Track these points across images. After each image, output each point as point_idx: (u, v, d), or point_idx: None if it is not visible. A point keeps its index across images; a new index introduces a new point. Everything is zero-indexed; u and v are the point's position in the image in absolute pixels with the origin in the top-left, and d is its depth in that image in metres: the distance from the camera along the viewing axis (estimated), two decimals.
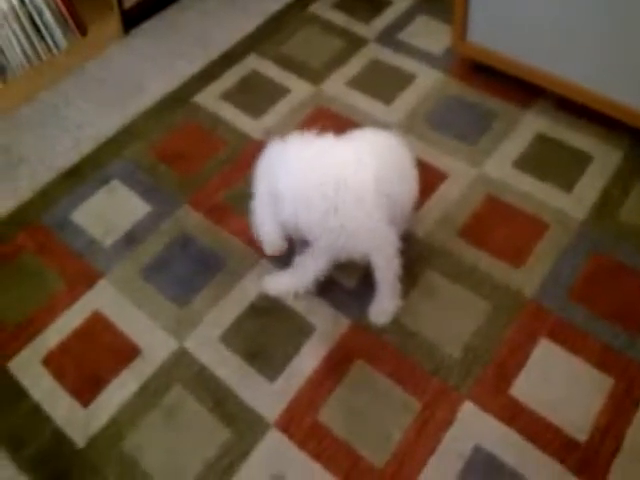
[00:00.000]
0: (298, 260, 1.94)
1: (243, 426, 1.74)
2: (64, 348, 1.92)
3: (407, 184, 1.85)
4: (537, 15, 2.20)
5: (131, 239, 2.16)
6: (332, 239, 1.68)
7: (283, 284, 1.97)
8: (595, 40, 2.10)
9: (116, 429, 1.76)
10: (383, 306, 1.90)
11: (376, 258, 1.79)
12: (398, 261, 1.81)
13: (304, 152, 1.63)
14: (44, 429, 1.77)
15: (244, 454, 1.69)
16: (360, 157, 1.66)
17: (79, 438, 1.75)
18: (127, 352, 1.90)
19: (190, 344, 1.90)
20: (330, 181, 1.59)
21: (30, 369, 1.88)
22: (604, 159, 2.23)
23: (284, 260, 1.98)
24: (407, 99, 2.53)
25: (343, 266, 1.96)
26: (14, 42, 2.57)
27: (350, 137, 1.77)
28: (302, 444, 1.70)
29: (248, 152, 2.36)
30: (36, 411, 1.80)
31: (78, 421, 1.78)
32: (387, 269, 1.82)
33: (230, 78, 2.70)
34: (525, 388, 1.75)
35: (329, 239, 1.68)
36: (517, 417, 1.70)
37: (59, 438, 1.75)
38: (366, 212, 1.64)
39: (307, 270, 1.93)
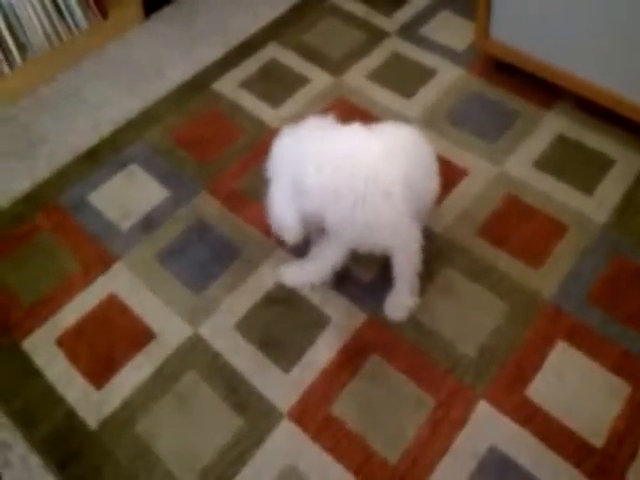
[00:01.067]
0: (315, 251, 1.93)
1: (256, 415, 1.73)
2: (79, 329, 1.91)
3: (431, 179, 1.85)
4: (561, 14, 2.18)
5: (148, 224, 2.15)
6: (357, 232, 1.67)
7: (300, 275, 1.96)
8: (619, 42, 2.09)
9: (129, 412, 1.75)
10: (400, 302, 1.89)
11: (398, 253, 1.78)
12: (419, 257, 1.80)
13: (333, 143, 1.62)
14: (57, 409, 1.77)
15: (257, 443, 1.69)
16: (389, 151, 1.65)
17: (92, 420, 1.75)
18: (142, 336, 1.90)
19: (205, 331, 1.90)
20: (360, 174, 1.58)
21: (44, 349, 1.88)
22: (626, 163, 2.22)
23: (300, 250, 1.98)
24: (427, 94, 2.52)
25: (360, 259, 1.95)
26: (35, 21, 2.56)
27: (375, 130, 1.76)
28: (315, 436, 1.69)
29: (266, 141, 2.30)
30: (49, 391, 1.80)
31: (91, 403, 1.78)
32: (408, 265, 1.81)
33: (250, 66, 2.69)
34: (541, 390, 1.74)
35: (354, 232, 1.68)
36: (532, 419, 1.69)
37: (71, 419, 1.75)
38: (393, 206, 1.63)
39: (324, 262, 1.91)
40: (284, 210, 1.63)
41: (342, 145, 1.63)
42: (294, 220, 1.63)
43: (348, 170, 1.58)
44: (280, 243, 1.71)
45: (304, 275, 1.96)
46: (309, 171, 1.58)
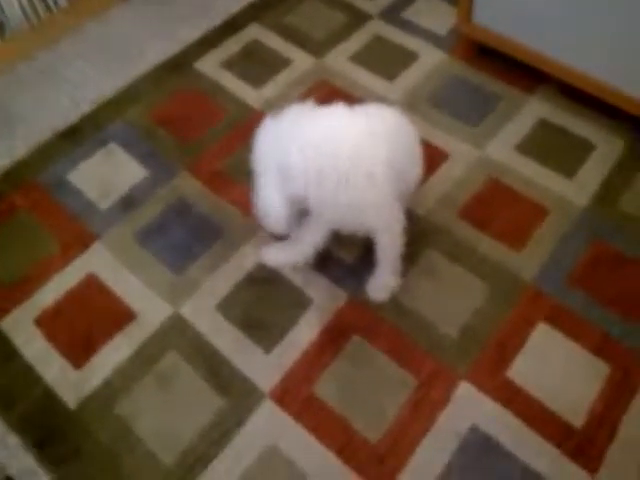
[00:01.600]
0: (297, 232, 1.92)
1: (237, 396, 1.73)
2: (57, 309, 1.89)
3: (413, 161, 1.84)
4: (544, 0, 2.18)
5: (128, 203, 2.13)
6: (340, 213, 1.67)
7: (282, 256, 1.95)
8: (602, 28, 2.09)
9: (109, 392, 1.74)
10: (382, 282, 1.89)
11: (381, 234, 1.78)
12: (402, 239, 1.80)
13: (316, 124, 1.60)
14: (35, 389, 1.75)
15: (238, 423, 1.68)
16: (372, 131, 1.64)
17: (71, 400, 1.73)
18: (121, 316, 1.88)
19: (186, 311, 1.88)
20: (343, 154, 1.57)
21: (22, 329, 1.86)
22: (607, 148, 2.23)
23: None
24: (409, 77, 2.51)
25: (342, 241, 1.95)
26: None
27: (358, 111, 1.75)
28: (297, 416, 1.69)
29: (248, 121, 2.33)
30: (27, 371, 1.78)
31: (70, 383, 1.76)
32: (391, 246, 1.81)
33: (231, 46, 2.67)
34: (522, 371, 1.75)
35: (337, 213, 1.67)
36: (514, 399, 1.70)
37: (50, 399, 1.74)
38: (377, 187, 1.63)
39: (306, 242, 1.91)
40: (273, 203, 1.60)
41: (324, 125, 1.61)
42: (283, 212, 1.60)
43: (331, 150, 1.57)
44: (262, 226, 1.68)
45: (286, 256, 1.95)
46: (292, 152, 1.56)
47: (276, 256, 1.96)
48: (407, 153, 1.81)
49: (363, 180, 1.60)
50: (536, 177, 2.16)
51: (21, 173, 2.22)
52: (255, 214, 1.67)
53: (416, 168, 1.86)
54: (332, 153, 1.57)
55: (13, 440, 1.67)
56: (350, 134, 1.61)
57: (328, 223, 1.81)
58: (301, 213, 1.81)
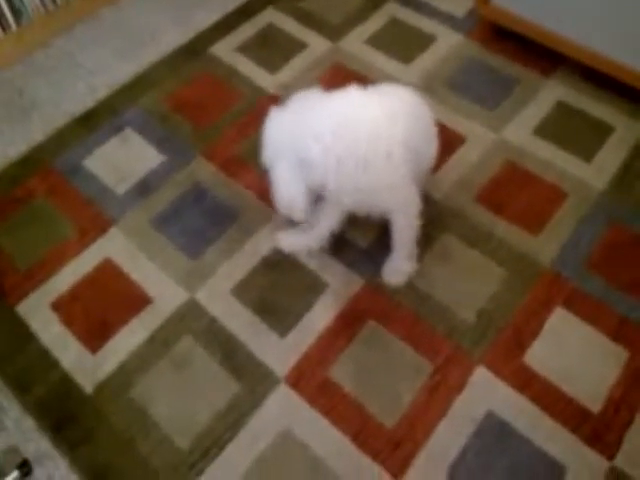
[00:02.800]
0: (312, 216, 1.91)
1: (253, 380, 1.73)
2: (74, 294, 1.90)
3: (429, 141, 1.83)
4: None
5: (144, 188, 2.13)
6: (359, 195, 1.65)
7: (297, 241, 1.95)
8: (622, 8, 2.06)
9: (125, 377, 1.74)
10: (398, 266, 1.88)
11: (398, 217, 1.76)
12: (418, 222, 1.79)
13: (330, 109, 1.59)
14: (52, 373, 1.76)
15: (253, 407, 1.68)
16: (388, 112, 1.63)
17: (87, 384, 1.74)
18: (137, 300, 1.88)
19: (201, 296, 1.88)
20: (361, 136, 1.55)
21: (39, 313, 1.86)
22: (625, 131, 2.20)
23: None
24: (426, 60, 2.49)
25: (357, 225, 1.95)
26: None
27: (374, 91, 1.73)
28: (312, 400, 1.69)
29: (263, 106, 2.31)
30: (44, 355, 1.79)
31: (86, 367, 1.77)
32: (407, 229, 1.79)
33: (247, 31, 2.65)
34: (539, 356, 1.73)
35: (355, 195, 1.65)
36: (530, 384, 1.69)
37: (66, 383, 1.74)
38: (394, 167, 1.61)
39: (322, 227, 1.90)
40: (293, 191, 1.58)
41: (338, 110, 1.60)
42: (303, 200, 1.59)
43: (348, 133, 1.55)
44: (280, 214, 1.67)
45: (302, 241, 1.94)
46: (308, 142, 1.54)
47: (292, 241, 1.95)
48: (423, 133, 1.79)
49: (381, 161, 1.58)
50: (554, 160, 2.14)
51: (38, 159, 2.22)
52: (274, 204, 1.65)
53: (431, 148, 1.84)
54: (350, 137, 1.56)
55: (29, 423, 1.68)
56: (365, 116, 1.60)
57: (344, 206, 1.80)
58: (316, 198, 1.80)
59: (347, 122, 1.56)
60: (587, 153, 2.15)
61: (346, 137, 1.55)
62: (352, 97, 1.63)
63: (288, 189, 1.59)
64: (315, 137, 1.53)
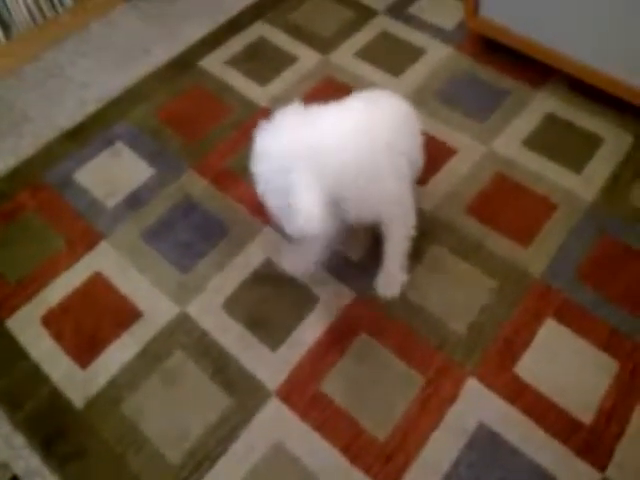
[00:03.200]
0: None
1: (244, 394, 1.72)
2: (64, 308, 1.89)
3: (417, 146, 1.82)
4: None
5: (134, 202, 2.13)
6: (367, 205, 1.64)
7: (299, 259, 1.92)
8: (610, 21, 2.07)
9: (115, 391, 1.74)
10: (392, 278, 1.87)
11: (397, 227, 1.76)
12: (414, 233, 1.79)
13: (315, 131, 1.56)
14: (41, 389, 1.75)
15: (244, 421, 1.67)
16: (391, 120, 1.64)
17: (77, 399, 1.73)
18: (128, 315, 1.88)
19: (192, 310, 1.88)
20: (377, 146, 1.57)
21: (29, 327, 1.86)
22: (615, 142, 2.21)
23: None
24: (416, 73, 2.50)
25: (348, 238, 1.94)
26: None
27: (364, 99, 1.72)
28: (303, 414, 1.68)
29: (254, 119, 2.31)
30: (34, 370, 1.78)
31: (76, 382, 1.76)
32: (403, 240, 1.79)
33: (237, 44, 2.66)
34: (530, 367, 1.73)
35: (363, 205, 1.64)
36: (521, 396, 1.68)
37: (56, 398, 1.73)
38: (399, 178, 1.61)
39: (321, 241, 1.87)
40: (313, 206, 1.48)
41: (350, 122, 1.58)
42: (323, 214, 1.49)
43: (366, 145, 1.55)
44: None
45: (304, 258, 1.91)
46: (299, 175, 1.50)
47: (294, 262, 1.93)
48: (412, 139, 1.78)
49: (386, 172, 1.58)
50: (544, 172, 2.14)
51: (28, 172, 2.22)
52: (295, 229, 1.53)
53: (419, 154, 1.84)
54: (368, 149, 1.54)
55: (19, 440, 1.67)
56: (376, 126, 1.59)
57: (343, 215, 1.76)
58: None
59: (361, 134, 1.56)
60: (577, 164, 2.16)
61: (365, 149, 1.54)
62: (348, 110, 1.62)
63: (310, 205, 1.49)
64: (303, 169, 1.50)
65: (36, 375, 1.77)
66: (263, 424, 1.67)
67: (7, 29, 2.54)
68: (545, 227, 2.01)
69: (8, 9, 2.51)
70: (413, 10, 2.76)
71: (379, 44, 2.63)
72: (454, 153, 2.21)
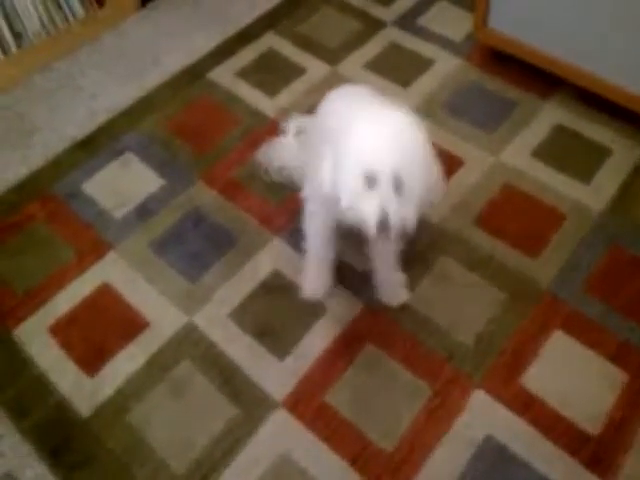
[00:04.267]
0: (311, 251, 1.88)
1: (251, 404, 1.72)
2: (72, 318, 1.90)
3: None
4: (559, 4, 2.16)
5: (143, 212, 2.14)
6: None
7: (319, 284, 1.90)
8: (618, 32, 2.07)
9: (122, 401, 1.74)
10: (394, 284, 1.88)
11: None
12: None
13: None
14: (49, 398, 1.75)
15: (251, 432, 1.67)
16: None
17: (84, 408, 1.73)
18: (135, 325, 1.88)
19: (199, 320, 1.88)
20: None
21: (37, 337, 1.86)
22: (624, 153, 2.20)
23: (295, 240, 1.97)
24: (425, 84, 2.50)
25: (355, 249, 1.94)
26: (31, 9, 2.54)
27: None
28: (310, 425, 1.68)
29: (263, 130, 2.33)
30: (41, 380, 1.79)
31: (83, 391, 1.76)
32: (395, 243, 1.76)
33: (247, 55, 2.67)
34: (538, 379, 1.73)
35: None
36: (529, 408, 1.68)
37: (64, 408, 1.74)
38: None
39: (325, 252, 1.87)
40: (327, 171, 1.50)
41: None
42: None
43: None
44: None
45: (321, 281, 1.90)
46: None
47: (314, 285, 1.91)
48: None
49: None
50: (552, 183, 2.14)
51: (37, 183, 2.23)
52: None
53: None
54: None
55: (26, 448, 1.67)
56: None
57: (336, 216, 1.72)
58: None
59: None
60: (585, 175, 2.16)
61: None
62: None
63: (326, 170, 1.50)
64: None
65: (43, 384, 1.77)
66: (270, 435, 1.67)
67: (19, 38, 2.55)
68: (554, 238, 2.01)
69: (21, 19, 2.53)
70: (422, 22, 2.76)
71: (387, 55, 2.63)
72: (462, 164, 2.21)
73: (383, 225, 1.41)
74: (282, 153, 2.11)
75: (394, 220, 1.41)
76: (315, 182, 1.59)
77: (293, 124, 1.99)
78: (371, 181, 1.41)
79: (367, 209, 1.43)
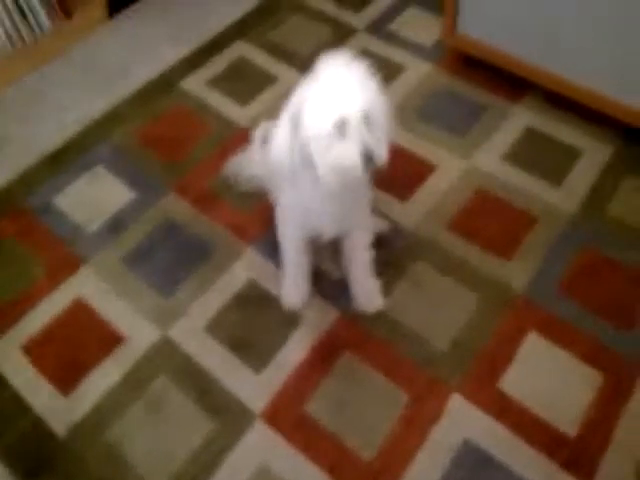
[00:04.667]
0: (287, 261, 1.88)
1: (228, 417, 1.71)
2: (45, 335, 1.88)
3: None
4: (527, 9, 2.18)
5: (115, 226, 2.12)
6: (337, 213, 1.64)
7: (297, 292, 1.91)
8: (585, 35, 2.09)
9: (99, 418, 1.72)
10: (369, 290, 1.88)
11: (363, 234, 1.77)
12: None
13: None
14: (24, 418, 1.74)
15: (230, 445, 1.66)
16: None
17: (60, 427, 1.72)
18: (110, 340, 1.87)
19: (174, 334, 1.87)
20: None
21: (9, 356, 1.84)
22: (594, 154, 2.22)
23: (270, 250, 1.98)
24: (396, 90, 2.50)
25: (330, 257, 1.94)
26: None
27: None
28: (288, 435, 1.67)
29: (235, 139, 2.33)
30: (15, 399, 1.77)
31: (59, 410, 1.75)
32: (366, 247, 1.79)
33: (217, 64, 2.67)
34: (514, 382, 1.73)
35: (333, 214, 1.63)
36: (506, 411, 1.68)
37: (39, 427, 1.72)
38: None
39: (303, 264, 1.87)
40: (285, 146, 1.52)
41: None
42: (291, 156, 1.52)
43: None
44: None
45: (299, 289, 1.91)
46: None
47: (293, 294, 1.91)
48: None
49: None
50: (524, 186, 2.15)
51: (7, 198, 2.22)
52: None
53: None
54: None
55: (1, 471, 1.65)
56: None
57: (314, 228, 1.72)
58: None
59: None
60: (556, 177, 2.17)
61: None
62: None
63: (282, 142, 1.53)
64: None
65: (18, 405, 1.76)
66: (248, 447, 1.66)
67: None
68: (527, 241, 2.02)
69: None
70: (392, 28, 2.77)
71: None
72: (434, 169, 2.22)
73: (367, 162, 1.41)
74: (250, 162, 2.11)
75: (378, 152, 1.41)
76: (274, 155, 1.56)
77: (259, 132, 1.96)
78: (341, 128, 1.40)
79: (348, 153, 1.41)
